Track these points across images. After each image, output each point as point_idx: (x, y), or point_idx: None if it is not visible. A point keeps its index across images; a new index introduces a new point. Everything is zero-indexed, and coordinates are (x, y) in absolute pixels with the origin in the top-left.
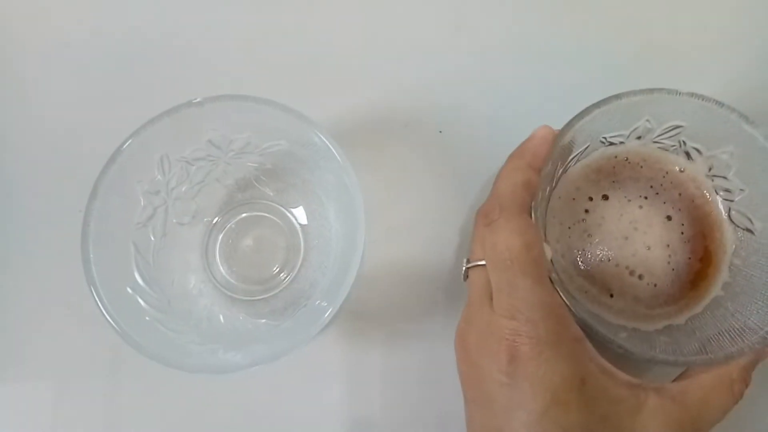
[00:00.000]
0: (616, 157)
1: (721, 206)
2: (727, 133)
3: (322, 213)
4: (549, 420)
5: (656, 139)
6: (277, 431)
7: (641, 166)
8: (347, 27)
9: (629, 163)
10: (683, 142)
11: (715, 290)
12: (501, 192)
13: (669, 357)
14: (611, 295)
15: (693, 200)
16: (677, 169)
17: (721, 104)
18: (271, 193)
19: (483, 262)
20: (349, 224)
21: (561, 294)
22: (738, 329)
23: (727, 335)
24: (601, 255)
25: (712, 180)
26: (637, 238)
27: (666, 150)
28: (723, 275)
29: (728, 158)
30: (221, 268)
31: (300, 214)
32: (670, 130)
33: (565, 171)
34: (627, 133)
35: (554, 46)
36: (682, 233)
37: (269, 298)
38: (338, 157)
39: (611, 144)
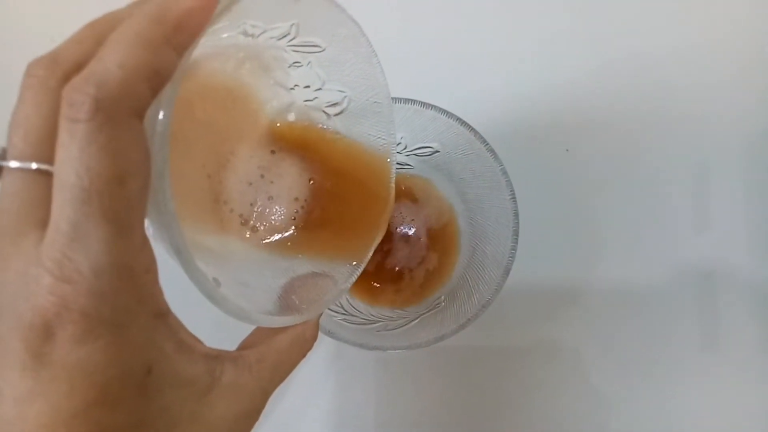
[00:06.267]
0: (241, 54)
1: None
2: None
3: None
4: (86, 420)
5: (287, 48)
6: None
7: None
8: (484, 40)
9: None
10: (309, 63)
11: None
12: (108, 73)
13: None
14: None
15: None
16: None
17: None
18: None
19: (47, 167)
20: (497, 228)
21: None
22: None
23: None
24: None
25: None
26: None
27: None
28: None
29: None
30: None
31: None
32: (307, 46)
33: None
34: (265, 27)
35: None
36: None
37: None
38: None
39: (246, 34)
